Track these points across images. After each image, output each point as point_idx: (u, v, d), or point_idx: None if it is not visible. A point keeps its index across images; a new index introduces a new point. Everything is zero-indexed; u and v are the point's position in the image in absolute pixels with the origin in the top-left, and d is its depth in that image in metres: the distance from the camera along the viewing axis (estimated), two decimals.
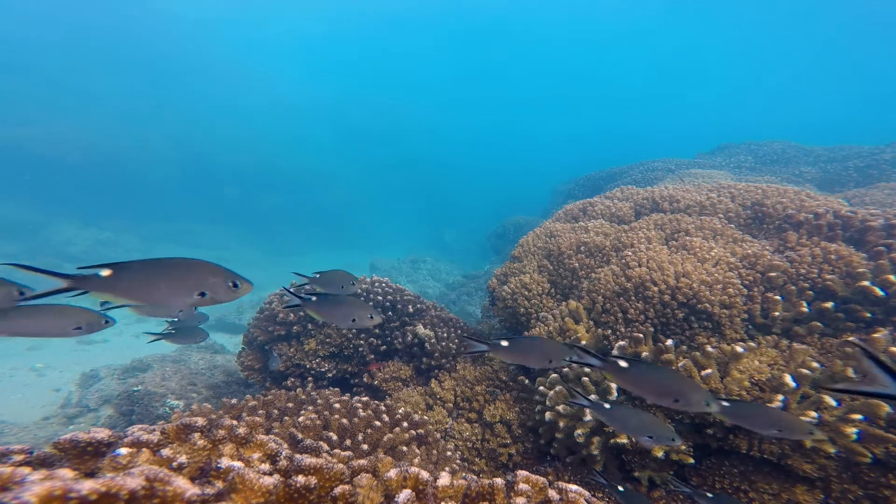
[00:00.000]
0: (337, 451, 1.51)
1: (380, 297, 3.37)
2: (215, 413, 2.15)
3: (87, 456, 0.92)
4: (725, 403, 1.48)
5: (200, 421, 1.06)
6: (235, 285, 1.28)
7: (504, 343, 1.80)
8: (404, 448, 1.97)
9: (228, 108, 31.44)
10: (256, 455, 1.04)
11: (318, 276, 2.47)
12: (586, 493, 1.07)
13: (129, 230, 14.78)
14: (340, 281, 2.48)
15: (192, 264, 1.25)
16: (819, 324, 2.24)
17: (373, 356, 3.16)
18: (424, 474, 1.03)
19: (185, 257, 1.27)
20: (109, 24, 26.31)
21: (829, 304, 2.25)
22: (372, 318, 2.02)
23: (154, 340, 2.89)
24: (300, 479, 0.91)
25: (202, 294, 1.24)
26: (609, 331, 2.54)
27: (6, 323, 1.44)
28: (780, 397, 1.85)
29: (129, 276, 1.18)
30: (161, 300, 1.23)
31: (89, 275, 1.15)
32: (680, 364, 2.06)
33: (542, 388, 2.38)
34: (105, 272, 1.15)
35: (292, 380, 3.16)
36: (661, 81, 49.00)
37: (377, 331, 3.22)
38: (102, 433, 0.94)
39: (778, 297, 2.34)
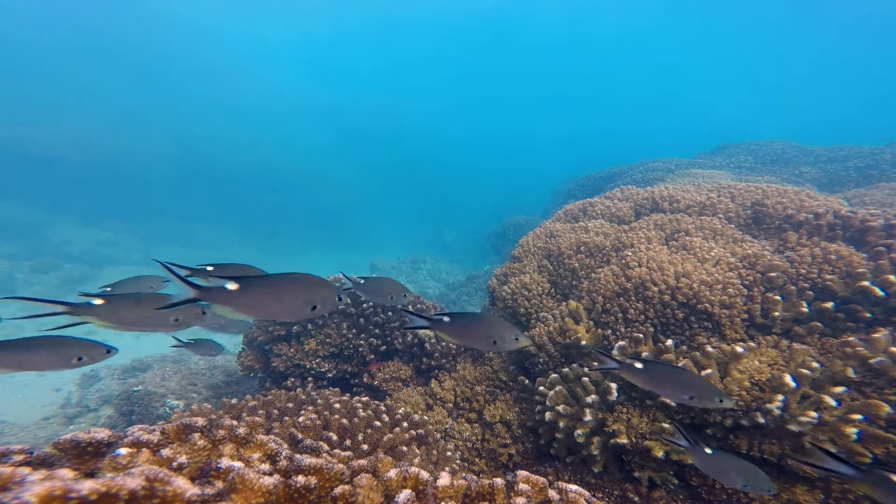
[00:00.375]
0: (337, 451, 1.51)
1: None
2: (215, 413, 2.15)
3: (88, 456, 0.92)
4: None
5: (200, 421, 1.06)
6: (340, 299, 1.39)
7: (638, 365, 1.58)
8: (404, 448, 1.97)
9: (229, 109, 31.48)
10: (256, 455, 1.04)
11: (362, 281, 2.29)
12: (586, 493, 1.07)
13: (129, 230, 14.76)
14: (390, 290, 2.26)
15: (307, 281, 1.33)
16: (819, 324, 2.24)
17: (373, 356, 3.16)
18: (424, 474, 1.03)
19: (299, 273, 1.33)
20: (110, 26, 26.34)
21: (829, 305, 2.25)
22: (517, 339, 1.69)
23: (177, 346, 2.97)
24: (300, 479, 0.91)
25: (314, 308, 1.32)
26: (609, 331, 2.54)
27: (143, 326, 1.58)
28: (780, 397, 1.85)
29: (252, 292, 1.24)
30: (278, 315, 1.32)
31: (217, 287, 1.21)
32: (680, 364, 2.06)
33: (542, 388, 2.38)
34: (232, 286, 1.20)
35: (292, 380, 3.16)
36: (661, 81, 49.05)
37: (377, 331, 3.22)
38: (102, 433, 0.94)
39: (778, 297, 2.34)
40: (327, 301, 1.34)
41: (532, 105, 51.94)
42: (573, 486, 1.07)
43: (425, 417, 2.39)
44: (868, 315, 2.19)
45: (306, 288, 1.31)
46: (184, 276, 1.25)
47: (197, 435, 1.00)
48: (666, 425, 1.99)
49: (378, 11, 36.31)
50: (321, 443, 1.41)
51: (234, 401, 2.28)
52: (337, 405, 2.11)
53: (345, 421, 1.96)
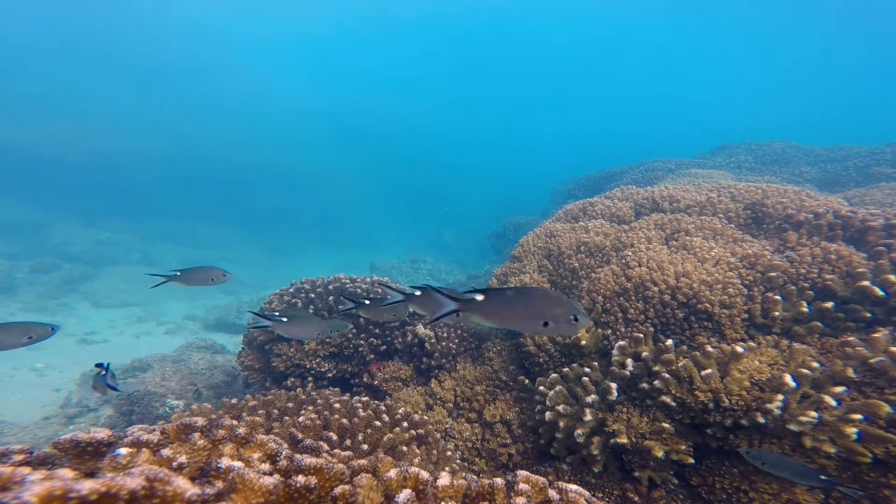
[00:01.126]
0: (337, 451, 1.51)
1: (380, 297, 3.37)
2: (215, 413, 2.15)
3: (87, 456, 0.92)
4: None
5: (200, 421, 1.06)
6: (576, 319, 1.33)
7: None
8: (404, 448, 1.97)
9: (228, 109, 31.51)
10: (256, 455, 1.04)
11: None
12: (586, 493, 1.07)
13: (129, 230, 14.76)
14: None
15: (544, 295, 1.37)
16: (819, 324, 2.24)
17: (373, 356, 3.16)
18: (424, 474, 1.03)
19: (538, 288, 1.43)
20: (109, 26, 26.34)
21: (829, 304, 2.25)
22: (577, 319, 1.41)
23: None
24: (300, 479, 0.91)
25: (546, 323, 1.32)
26: (609, 331, 2.54)
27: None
28: (780, 397, 1.85)
29: (496, 302, 1.34)
30: (513, 325, 1.40)
31: (470, 299, 1.34)
32: (680, 364, 2.06)
33: (542, 388, 2.38)
34: (479, 297, 1.33)
35: (292, 380, 3.16)
36: (661, 81, 49.06)
37: (377, 330, 3.22)
38: (102, 433, 0.94)
39: (778, 297, 2.34)
40: (560, 319, 1.30)
41: (532, 105, 51.97)
42: (573, 486, 1.07)
43: (425, 417, 2.39)
44: (868, 315, 2.19)
45: (541, 303, 1.32)
46: (446, 293, 1.36)
47: (197, 435, 1.00)
48: (666, 425, 1.99)
49: (378, 11, 36.32)
50: (321, 443, 1.41)
51: (234, 400, 2.28)
52: (337, 405, 2.11)
53: (345, 421, 1.96)
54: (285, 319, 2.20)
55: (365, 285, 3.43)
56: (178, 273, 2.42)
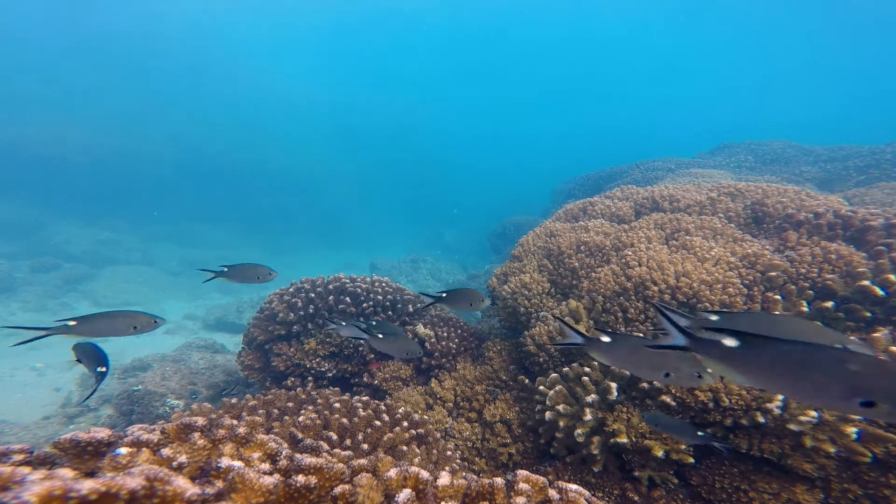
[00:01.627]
0: (337, 450, 1.51)
1: (380, 297, 3.37)
2: (215, 412, 2.15)
3: (88, 455, 0.92)
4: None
5: (200, 421, 1.06)
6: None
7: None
8: (404, 448, 1.97)
9: (228, 108, 31.48)
10: (257, 455, 1.04)
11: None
12: (586, 492, 1.07)
13: (129, 230, 14.76)
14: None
15: (854, 361, 0.88)
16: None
17: (373, 356, 3.16)
18: (424, 474, 1.03)
19: (836, 348, 0.93)
20: (109, 24, 26.31)
21: (829, 304, 2.25)
22: (700, 376, 1.35)
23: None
24: (300, 478, 0.91)
25: (866, 404, 0.86)
26: (609, 330, 2.54)
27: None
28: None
29: (757, 354, 0.96)
30: (792, 392, 0.97)
31: (712, 340, 1.02)
32: None
33: (542, 387, 2.38)
34: (730, 342, 1.00)
35: (292, 379, 3.16)
36: (662, 81, 49.07)
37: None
38: (102, 433, 0.94)
39: (778, 297, 2.34)
40: (889, 394, 0.82)
41: (532, 105, 52.01)
42: (573, 486, 1.07)
43: (425, 417, 2.39)
44: (868, 314, 2.19)
45: (854, 370, 0.84)
46: (680, 325, 1.10)
47: (197, 434, 1.00)
48: None
49: (378, 10, 36.29)
50: (321, 442, 1.41)
51: (234, 400, 2.28)
52: (337, 405, 2.11)
53: (345, 420, 1.96)
54: (381, 336, 2.24)
55: (365, 285, 3.43)
56: (226, 269, 2.46)
